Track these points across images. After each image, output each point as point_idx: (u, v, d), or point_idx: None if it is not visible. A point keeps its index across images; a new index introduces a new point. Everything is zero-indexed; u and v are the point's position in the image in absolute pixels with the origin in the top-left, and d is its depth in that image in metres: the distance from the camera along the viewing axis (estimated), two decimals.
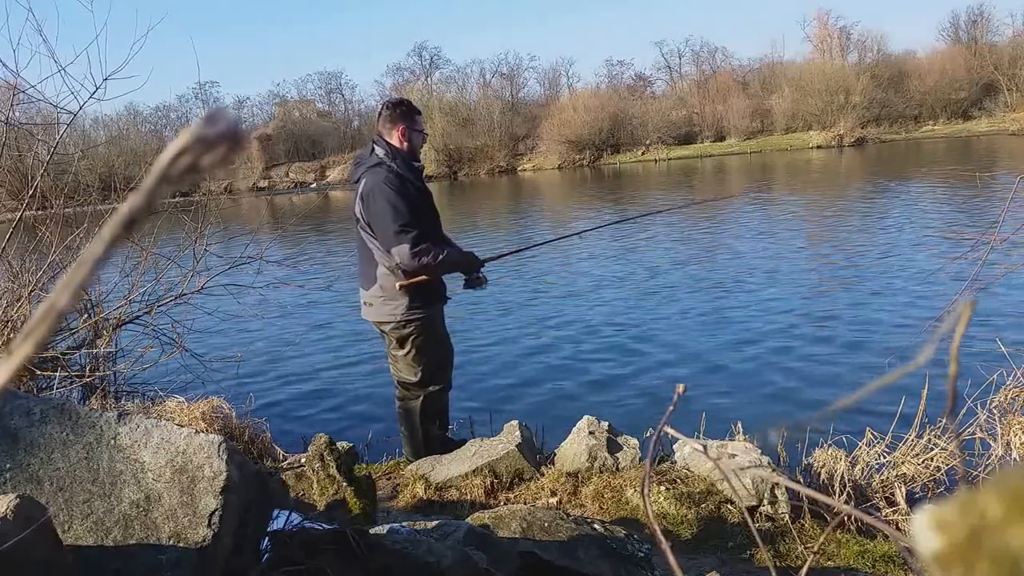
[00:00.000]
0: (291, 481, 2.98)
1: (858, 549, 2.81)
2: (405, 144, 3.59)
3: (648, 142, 47.08)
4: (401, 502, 3.40)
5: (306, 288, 10.31)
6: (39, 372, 4.66)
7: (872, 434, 3.37)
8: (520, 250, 5.40)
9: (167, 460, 1.76)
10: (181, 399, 4.48)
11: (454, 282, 3.80)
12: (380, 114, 3.66)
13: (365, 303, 3.68)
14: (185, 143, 0.28)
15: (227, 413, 4.33)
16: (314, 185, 48.61)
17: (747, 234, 12.78)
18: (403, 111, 3.61)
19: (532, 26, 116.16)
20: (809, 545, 2.84)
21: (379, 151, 3.55)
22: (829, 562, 2.76)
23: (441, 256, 3.51)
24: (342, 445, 2.78)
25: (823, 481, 3.21)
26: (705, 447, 0.67)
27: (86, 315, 5.42)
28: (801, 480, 3.32)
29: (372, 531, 2.01)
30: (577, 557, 2.27)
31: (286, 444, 4.46)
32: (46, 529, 1.46)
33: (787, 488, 3.03)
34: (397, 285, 3.51)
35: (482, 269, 3.74)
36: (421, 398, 3.76)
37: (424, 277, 3.53)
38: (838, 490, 3.12)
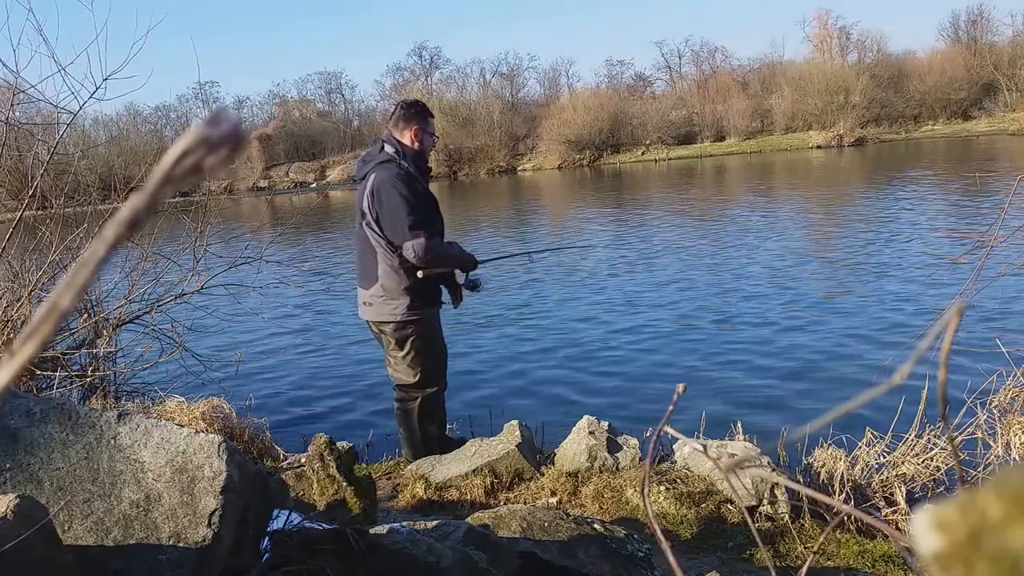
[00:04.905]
0: (291, 481, 2.97)
1: (858, 549, 2.81)
2: (416, 144, 3.61)
3: (648, 142, 47.09)
4: (401, 502, 3.40)
5: (306, 288, 10.32)
6: (39, 372, 4.66)
7: (872, 434, 3.37)
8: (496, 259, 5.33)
9: (167, 460, 1.76)
10: (181, 399, 4.48)
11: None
12: (394, 113, 3.68)
13: (364, 303, 3.67)
14: (189, 144, 0.29)
15: (227, 413, 4.33)
16: (314, 185, 48.62)
17: (747, 235, 12.78)
18: (417, 111, 3.64)
19: (532, 26, 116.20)
20: (809, 545, 2.84)
21: (389, 149, 3.56)
22: (829, 562, 2.76)
23: (451, 250, 3.62)
24: (342, 445, 2.78)
25: (823, 481, 3.21)
26: (705, 447, 0.67)
27: (86, 315, 5.42)
28: (801, 480, 3.32)
29: (372, 531, 2.01)
30: (577, 557, 2.27)
31: (286, 444, 4.45)
32: (46, 529, 1.46)
33: (787, 488, 3.04)
34: (420, 274, 3.52)
35: (475, 271, 3.78)
36: (419, 399, 3.77)
37: (441, 269, 3.59)
38: (838, 490, 3.12)
